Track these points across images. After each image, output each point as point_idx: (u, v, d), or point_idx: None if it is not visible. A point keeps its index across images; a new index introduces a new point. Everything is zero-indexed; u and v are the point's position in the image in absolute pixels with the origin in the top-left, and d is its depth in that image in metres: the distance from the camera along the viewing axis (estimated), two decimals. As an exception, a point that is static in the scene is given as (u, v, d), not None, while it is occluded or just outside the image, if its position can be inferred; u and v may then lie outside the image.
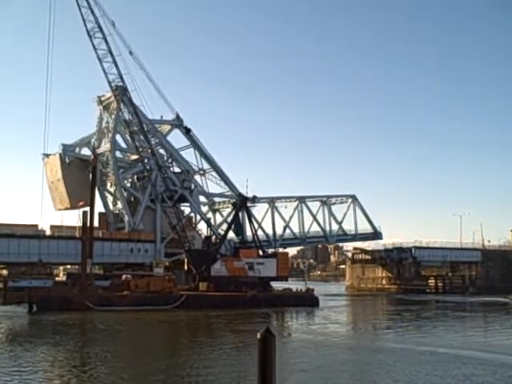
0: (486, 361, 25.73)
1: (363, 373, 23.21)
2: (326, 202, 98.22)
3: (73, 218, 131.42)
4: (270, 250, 78.33)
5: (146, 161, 73.48)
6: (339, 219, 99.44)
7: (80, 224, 65.49)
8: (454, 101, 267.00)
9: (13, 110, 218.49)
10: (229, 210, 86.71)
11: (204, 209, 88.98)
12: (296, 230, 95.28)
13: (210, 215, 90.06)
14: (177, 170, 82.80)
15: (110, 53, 68.32)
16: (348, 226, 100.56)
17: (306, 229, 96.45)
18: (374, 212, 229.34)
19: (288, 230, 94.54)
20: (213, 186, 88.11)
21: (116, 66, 68.98)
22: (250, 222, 77.19)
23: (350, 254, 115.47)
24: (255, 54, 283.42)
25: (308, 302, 63.42)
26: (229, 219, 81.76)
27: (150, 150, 71.95)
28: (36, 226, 72.35)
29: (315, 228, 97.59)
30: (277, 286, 72.47)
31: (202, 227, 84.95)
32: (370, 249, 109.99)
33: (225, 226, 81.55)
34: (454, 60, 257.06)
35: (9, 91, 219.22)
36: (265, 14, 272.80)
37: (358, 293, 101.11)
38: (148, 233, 77.09)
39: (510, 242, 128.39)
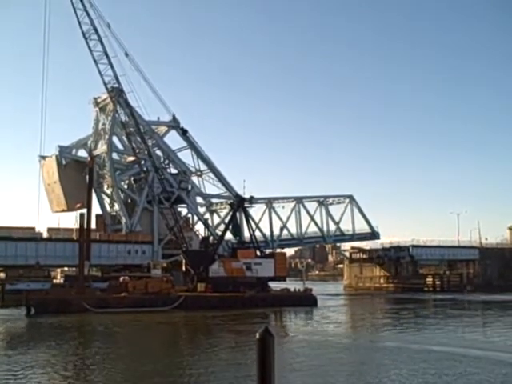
0: (483, 358, 25.78)
1: (361, 372, 23.23)
2: (323, 202, 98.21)
3: (70, 220, 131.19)
4: (268, 251, 78.35)
5: (142, 162, 73.40)
6: (337, 219, 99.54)
7: (77, 226, 65.41)
8: (452, 100, 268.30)
9: (9, 112, 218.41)
10: (226, 210, 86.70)
11: (201, 210, 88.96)
12: (293, 230, 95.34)
13: (207, 216, 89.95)
14: (174, 171, 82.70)
15: (106, 54, 68.20)
16: (345, 227, 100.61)
17: (304, 229, 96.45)
18: (372, 211, 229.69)
19: (285, 231, 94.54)
20: (210, 187, 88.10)
21: (112, 67, 68.89)
22: (248, 222, 77.16)
23: (347, 254, 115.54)
24: (253, 54, 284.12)
25: (306, 301, 63.44)
26: (226, 220, 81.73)
27: (146, 152, 71.88)
28: (33, 228, 72.20)
29: (313, 228, 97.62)
30: (275, 286, 72.48)
31: (200, 228, 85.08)
32: (367, 248, 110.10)
33: (222, 227, 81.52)
34: (454, 60, 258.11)
35: (5, 93, 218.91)
36: (264, 13, 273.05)
37: (356, 292, 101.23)
38: (145, 234, 77.00)
39: (507, 240, 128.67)
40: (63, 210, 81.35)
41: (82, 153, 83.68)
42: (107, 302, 54.87)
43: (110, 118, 79.12)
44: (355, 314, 62.17)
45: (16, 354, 28.23)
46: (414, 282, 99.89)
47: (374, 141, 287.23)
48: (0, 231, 67.62)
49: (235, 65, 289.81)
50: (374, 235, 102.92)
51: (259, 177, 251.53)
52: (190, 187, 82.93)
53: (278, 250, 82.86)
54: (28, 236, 68.80)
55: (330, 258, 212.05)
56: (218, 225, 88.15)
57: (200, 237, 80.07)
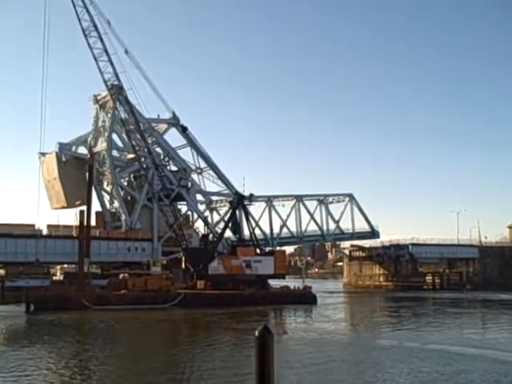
0: (479, 357, 25.79)
1: (359, 370, 23.23)
2: (323, 200, 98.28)
3: (69, 217, 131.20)
4: (268, 249, 78.39)
5: (142, 159, 73.41)
6: (336, 218, 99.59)
7: (77, 223, 65.48)
8: (452, 100, 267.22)
9: (9, 109, 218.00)
10: (226, 208, 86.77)
11: (201, 207, 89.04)
12: (293, 228, 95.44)
13: (207, 214, 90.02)
14: (173, 168, 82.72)
15: (106, 52, 68.21)
16: (345, 225, 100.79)
17: (304, 227, 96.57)
18: (372, 209, 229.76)
19: (285, 229, 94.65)
20: (210, 184, 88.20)
21: (112, 64, 68.89)
22: (247, 220, 77.20)
23: (347, 252, 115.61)
24: (253, 53, 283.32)
25: (306, 299, 63.45)
26: (226, 218, 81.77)
27: (146, 149, 71.90)
28: (33, 225, 72.31)
29: (312, 227, 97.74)
30: (274, 283, 72.50)
31: (200, 226, 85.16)
32: (367, 246, 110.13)
33: (222, 225, 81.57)
34: (454, 60, 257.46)
35: (5, 91, 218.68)
36: (264, 13, 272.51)
37: (356, 290, 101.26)
38: (145, 231, 77.01)
39: (506, 239, 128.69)
40: (63, 207, 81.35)
41: (82, 150, 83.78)
42: (107, 299, 54.87)
43: (109, 115, 79.07)
44: (354, 312, 62.21)
45: (11, 350, 28.27)
46: (414, 280, 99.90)
47: (374, 139, 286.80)
48: (0, 228, 67.62)
49: (235, 63, 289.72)
50: (373, 234, 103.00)
51: (259, 175, 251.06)
52: (189, 184, 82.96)
53: (278, 248, 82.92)
54: (28, 233, 68.85)
55: (330, 256, 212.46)
56: (218, 222, 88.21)
57: (200, 234, 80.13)
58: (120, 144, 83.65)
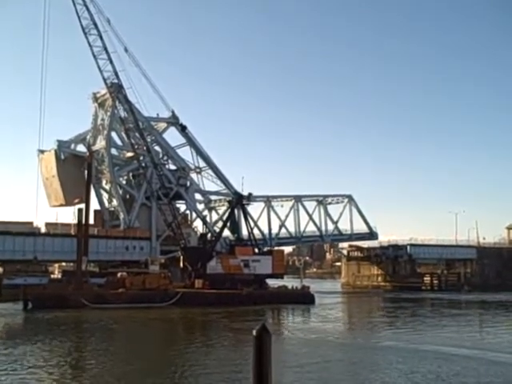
0: (475, 358, 25.78)
1: (355, 371, 23.26)
2: (322, 201, 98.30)
3: (68, 215, 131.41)
4: (266, 249, 78.37)
5: (141, 158, 73.33)
6: (335, 219, 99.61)
7: (75, 221, 65.41)
8: (452, 100, 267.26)
9: (8, 107, 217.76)
10: (225, 208, 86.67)
11: (200, 207, 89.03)
12: (292, 229, 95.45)
13: (205, 213, 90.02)
14: (172, 167, 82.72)
15: (105, 50, 68.07)
16: (344, 226, 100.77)
17: (302, 228, 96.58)
18: (371, 210, 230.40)
19: (284, 229, 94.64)
20: (209, 184, 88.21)
21: (111, 63, 68.75)
22: (246, 219, 77.17)
23: (345, 252, 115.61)
24: (253, 53, 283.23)
25: (304, 299, 63.42)
26: (224, 217, 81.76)
27: (145, 148, 71.83)
28: (31, 223, 72.17)
29: (311, 227, 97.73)
30: (272, 283, 72.50)
31: (198, 225, 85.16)
32: (365, 246, 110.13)
33: (220, 224, 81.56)
34: (454, 60, 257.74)
35: (4, 88, 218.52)
36: (264, 13, 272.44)
37: (354, 290, 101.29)
38: (143, 230, 76.98)
39: (505, 240, 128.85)
40: (61, 205, 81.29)
41: (81, 148, 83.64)
42: (105, 297, 54.83)
43: (108, 113, 79.04)
44: (352, 312, 62.25)
45: (7, 348, 28.20)
46: (412, 280, 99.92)
47: (373, 140, 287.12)
48: (-2, 226, 67.59)
49: (235, 63, 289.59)
50: (372, 235, 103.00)
51: (258, 175, 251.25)
52: (188, 183, 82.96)
53: (276, 248, 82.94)
54: (26, 231, 68.75)
55: (328, 256, 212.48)
56: (217, 222, 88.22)
57: (198, 233, 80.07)
58: (119, 142, 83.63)
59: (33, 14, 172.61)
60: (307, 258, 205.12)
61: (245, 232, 79.40)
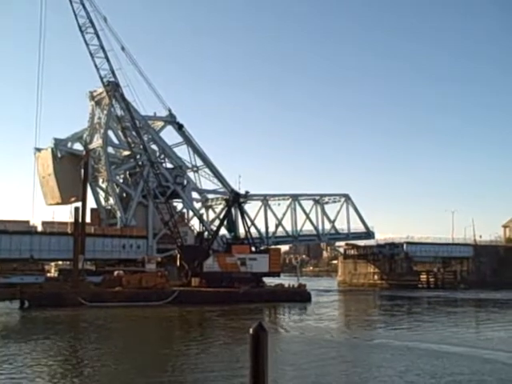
0: (468, 356, 25.83)
1: (350, 369, 23.29)
2: (319, 200, 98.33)
3: (64, 214, 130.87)
4: (263, 247, 78.42)
5: (138, 156, 73.26)
6: (332, 218, 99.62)
7: (72, 220, 65.34)
8: (447, 98, 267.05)
9: (4, 105, 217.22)
10: (222, 206, 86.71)
11: (197, 205, 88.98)
12: (289, 228, 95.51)
13: (202, 212, 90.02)
14: (169, 165, 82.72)
15: (102, 48, 68.03)
16: (341, 225, 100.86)
17: (299, 227, 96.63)
18: (367, 208, 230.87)
19: (281, 228, 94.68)
20: (206, 182, 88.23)
21: (108, 61, 68.70)
22: (243, 218, 77.23)
23: (342, 250, 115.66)
24: (253, 52, 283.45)
25: (300, 297, 63.50)
26: (221, 216, 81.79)
27: (142, 146, 71.77)
28: (28, 221, 72.12)
29: (308, 226, 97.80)
30: (269, 281, 72.56)
31: (195, 223, 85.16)
32: (362, 244, 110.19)
33: (217, 223, 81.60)
34: (448, 58, 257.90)
35: (1, 86, 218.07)
36: (263, 12, 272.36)
37: (350, 288, 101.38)
38: (140, 229, 76.95)
39: (501, 238, 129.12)
40: (57, 203, 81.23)
41: (78, 146, 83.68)
42: (101, 296, 54.81)
43: (105, 112, 79.00)
44: (349, 310, 62.32)
45: (8, 348, 28.16)
46: (408, 278, 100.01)
47: (370, 139, 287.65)
48: (-6, 224, 67.49)
49: (233, 62, 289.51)
50: (368, 235, 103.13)
51: (255, 174, 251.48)
52: (185, 182, 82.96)
53: (273, 246, 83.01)
54: (22, 229, 68.69)
55: (325, 254, 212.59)
56: (213, 220, 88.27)
57: (195, 232, 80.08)
58: (116, 141, 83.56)
59: (29, 13, 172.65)
60: (304, 256, 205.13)
61: (242, 230, 79.47)
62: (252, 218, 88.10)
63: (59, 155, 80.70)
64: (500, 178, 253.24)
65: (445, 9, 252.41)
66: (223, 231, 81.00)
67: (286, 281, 73.98)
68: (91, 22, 67.72)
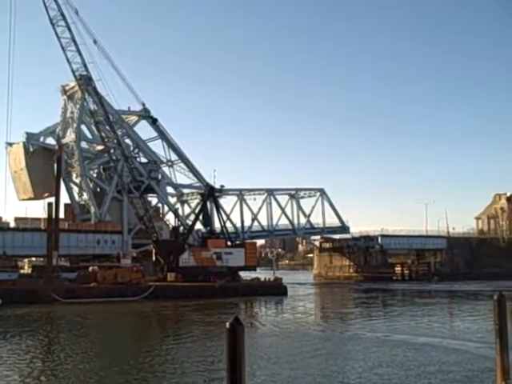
0: (437, 347, 26.23)
1: (325, 361, 23.46)
2: (294, 195, 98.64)
3: (37, 209, 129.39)
4: (238, 242, 78.50)
5: (112, 151, 72.57)
6: (307, 212, 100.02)
7: (45, 215, 64.60)
8: (424, 92, 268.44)
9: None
10: (197, 201, 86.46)
11: (172, 200, 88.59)
12: (264, 222, 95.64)
13: (178, 206, 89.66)
14: (144, 160, 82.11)
15: (74, 41, 67.18)
16: (316, 220, 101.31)
17: (275, 221, 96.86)
18: (342, 201, 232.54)
19: (256, 223, 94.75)
20: (181, 177, 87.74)
21: (80, 54, 67.91)
22: (218, 212, 77.09)
23: (317, 243, 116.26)
24: (229, 48, 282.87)
25: (276, 291, 63.79)
26: (197, 210, 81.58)
27: (115, 140, 71.16)
28: (0, 218, 71.09)
29: (283, 221, 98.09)
30: (245, 275, 72.69)
31: (170, 218, 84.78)
32: (337, 237, 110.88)
33: (193, 217, 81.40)
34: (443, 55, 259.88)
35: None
36: (249, 10, 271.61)
37: (326, 281, 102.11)
38: (115, 224, 76.27)
39: (473, 230, 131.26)
40: (30, 198, 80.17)
41: (51, 140, 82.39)
42: (76, 292, 54.39)
43: (78, 106, 78.02)
44: (324, 303, 62.81)
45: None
46: (383, 271, 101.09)
47: (345, 132, 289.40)
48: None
49: (209, 57, 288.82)
50: (343, 229, 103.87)
51: (231, 168, 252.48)
52: (160, 177, 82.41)
53: (248, 241, 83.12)
54: (-6, 225, 67.71)
55: (300, 248, 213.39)
56: (189, 215, 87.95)
57: (170, 226, 79.76)
58: (89, 135, 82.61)
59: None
60: (279, 249, 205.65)
61: (217, 225, 79.42)
62: (228, 212, 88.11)
63: (31, 149, 79.53)
64: (473, 170, 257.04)
65: (445, 7, 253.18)
66: (199, 226, 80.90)
67: (262, 274, 74.23)
68: (62, 14, 66.84)
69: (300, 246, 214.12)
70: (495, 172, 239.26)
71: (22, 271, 71.67)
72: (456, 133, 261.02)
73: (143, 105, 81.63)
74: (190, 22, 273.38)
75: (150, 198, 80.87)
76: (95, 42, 70.15)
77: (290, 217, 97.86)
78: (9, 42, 68.46)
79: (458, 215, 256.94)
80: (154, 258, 72.54)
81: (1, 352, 25.97)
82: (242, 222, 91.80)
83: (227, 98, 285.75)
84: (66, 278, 60.05)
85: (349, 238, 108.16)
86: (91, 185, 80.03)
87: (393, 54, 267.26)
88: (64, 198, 76.99)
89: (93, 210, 76.83)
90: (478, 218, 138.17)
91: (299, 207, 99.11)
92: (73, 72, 69.31)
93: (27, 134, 79.75)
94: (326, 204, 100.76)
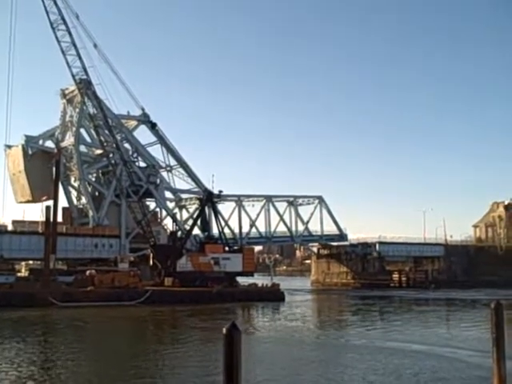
0: (432, 355, 26.12)
1: (322, 369, 23.42)
2: (292, 202, 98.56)
3: (35, 213, 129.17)
4: (236, 247, 78.42)
5: (110, 155, 72.61)
6: (305, 220, 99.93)
7: (43, 219, 64.53)
8: (425, 99, 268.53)
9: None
10: (195, 206, 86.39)
11: (170, 205, 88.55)
12: (262, 229, 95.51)
13: (176, 211, 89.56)
14: (142, 164, 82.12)
15: (74, 45, 67.28)
16: (314, 227, 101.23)
17: (273, 228, 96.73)
18: (340, 208, 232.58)
19: (254, 229, 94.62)
20: (180, 182, 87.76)
21: (80, 58, 67.97)
22: (216, 217, 77.04)
23: (315, 250, 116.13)
24: (228, 53, 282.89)
25: (274, 297, 63.68)
26: (195, 215, 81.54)
27: (114, 145, 71.20)
28: (-3, 220, 71.11)
29: (282, 228, 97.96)
30: (243, 281, 72.59)
31: (168, 222, 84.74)
32: (335, 244, 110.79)
33: (191, 222, 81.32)
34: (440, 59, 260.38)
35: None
36: (253, 15, 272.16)
37: (323, 288, 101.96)
38: (113, 228, 76.19)
39: (471, 237, 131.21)
40: (28, 201, 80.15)
41: (50, 144, 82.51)
42: (73, 296, 54.28)
43: (77, 110, 78.12)
44: (321, 309, 62.71)
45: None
46: (381, 278, 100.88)
47: (345, 139, 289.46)
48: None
49: (208, 62, 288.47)
50: (341, 237, 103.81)
51: (230, 174, 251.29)
52: (158, 181, 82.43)
53: (246, 246, 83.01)
54: (-8, 228, 67.61)
55: (298, 254, 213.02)
56: (187, 220, 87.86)
57: (168, 231, 79.69)
58: (88, 139, 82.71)
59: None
60: (277, 255, 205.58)
61: (215, 230, 79.37)
62: (226, 218, 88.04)
63: (30, 152, 79.58)
64: (471, 179, 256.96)
65: (443, 11, 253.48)
66: (196, 231, 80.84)
67: (260, 280, 74.16)
68: (63, 18, 66.97)
69: (298, 252, 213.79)
70: (493, 180, 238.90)
71: (19, 274, 71.57)
72: (454, 140, 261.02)
73: (143, 109, 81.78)
74: (190, 26, 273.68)
75: (148, 203, 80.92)
76: (95, 46, 70.32)
77: (288, 224, 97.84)
78: (9, 46, 68.67)
79: (456, 223, 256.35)
80: (151, 263, 72.46)
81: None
82: (240, 227, 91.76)
83: (226, 103, 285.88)
84: (63, 282, 59.96)
85: (346, 245, 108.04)
86: (89, 189, 80.00)
87: (392, 60, 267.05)
88: (62, 202, 77.16)
89: (91, 213, 76.78)
90: (475, 226, 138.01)
91: (297, 214, 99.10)
92: (73, 76, 69.38)
93: (26, 136, 79.84)
94: (325, 212, 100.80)
